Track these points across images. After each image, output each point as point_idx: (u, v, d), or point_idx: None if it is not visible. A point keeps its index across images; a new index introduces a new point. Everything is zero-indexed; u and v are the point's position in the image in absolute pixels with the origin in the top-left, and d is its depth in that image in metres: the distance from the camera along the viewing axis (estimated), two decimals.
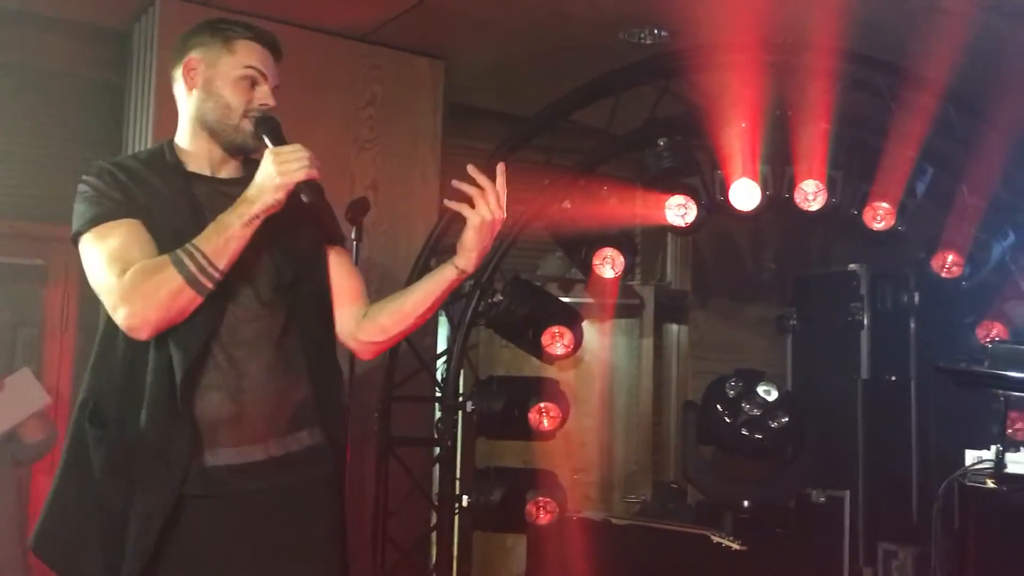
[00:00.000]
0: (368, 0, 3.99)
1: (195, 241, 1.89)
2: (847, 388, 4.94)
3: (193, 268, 1.87)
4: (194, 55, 2.05)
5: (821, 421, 4.70)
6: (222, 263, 1.89)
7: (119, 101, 4.05)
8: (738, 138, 3.89)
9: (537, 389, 3.98)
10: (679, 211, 3.99)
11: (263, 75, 2.06)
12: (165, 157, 2.06)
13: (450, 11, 4.06)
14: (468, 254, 2.05)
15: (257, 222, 1.91)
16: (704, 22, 3.75)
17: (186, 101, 2.08)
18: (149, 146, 3.73)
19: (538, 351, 3.99)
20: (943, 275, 4.16)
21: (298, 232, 2.09)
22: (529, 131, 4.25)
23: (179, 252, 1.88)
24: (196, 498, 1.92)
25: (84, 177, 1.98)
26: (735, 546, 3.59)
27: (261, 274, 2.01)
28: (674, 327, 5.31)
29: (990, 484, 2.83)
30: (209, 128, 2.05)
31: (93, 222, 1.92)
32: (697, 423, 4.48)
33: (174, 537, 1.90)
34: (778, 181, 4.02)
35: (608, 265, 4.01)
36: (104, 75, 4.09)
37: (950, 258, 4.13)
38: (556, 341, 3.95)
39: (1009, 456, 2.84)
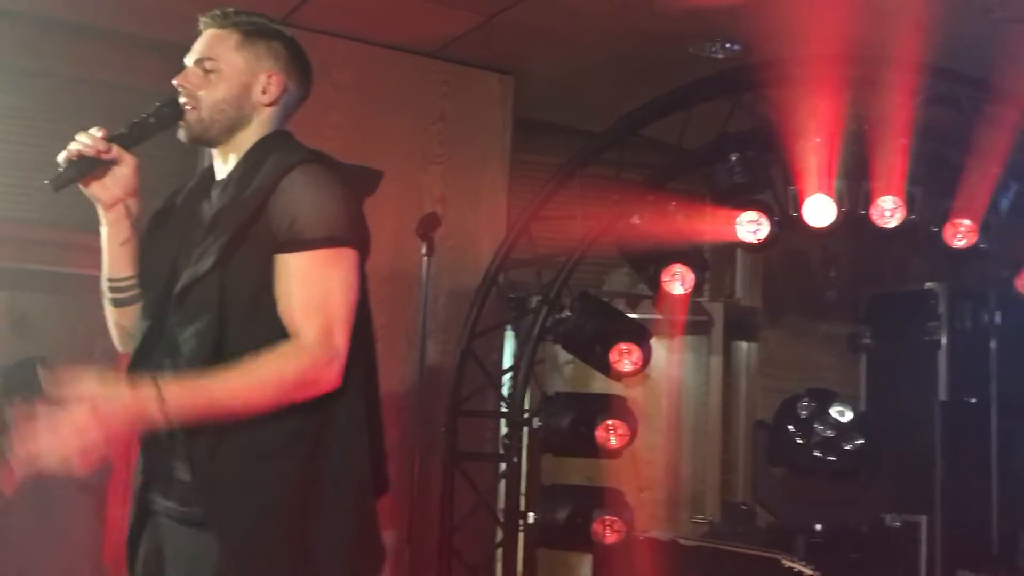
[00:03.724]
0: (437, 17, 4.02)
1: None
2: (924, 410, 4.80)
3: None
4: None
5: (897, 443, 4.59)
6: (106, 272, 1.95)
7: None
8: (813, 153, 3.81)
9: (605, 406, 3.94)
10: (751, 227, 3.92)
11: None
12: None
13: (519, 27, 4.07)
14: None
15: (104, 225, 1.91)
16: (778, 35, 3.68)
17: None
18: None
19: (605, 368, 3.95)
20: None
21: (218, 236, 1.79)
22: (598, 146, 4.23)
23: None
24: None
25: None
26: (807, 571, 3.50)
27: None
28: (743, 344, 5.22)
29: None
30: None
31: None
32: (768, 443, 4.41)
33: None
34: (854, 197, 3.93)
35: (677, 281, 3.96)
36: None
37: None
38: (624, 358, 3.92)
39: None
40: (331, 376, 1.73)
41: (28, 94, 3.97)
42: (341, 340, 1.74)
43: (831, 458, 4.23)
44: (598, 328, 3.95)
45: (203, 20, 1.95)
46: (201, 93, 1.88)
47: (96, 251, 1.98)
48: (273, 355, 1.70)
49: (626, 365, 3.92)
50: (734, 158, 3.94)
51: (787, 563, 3.53)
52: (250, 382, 1.69)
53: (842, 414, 4.31)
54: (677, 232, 4.00)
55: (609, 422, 3.88)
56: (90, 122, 1.84)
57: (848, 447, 4.25)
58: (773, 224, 3.94)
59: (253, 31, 1.93)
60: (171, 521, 1.81)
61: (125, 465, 3.78)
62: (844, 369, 5.31)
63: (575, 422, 3.91)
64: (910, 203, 3.89)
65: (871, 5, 3.54)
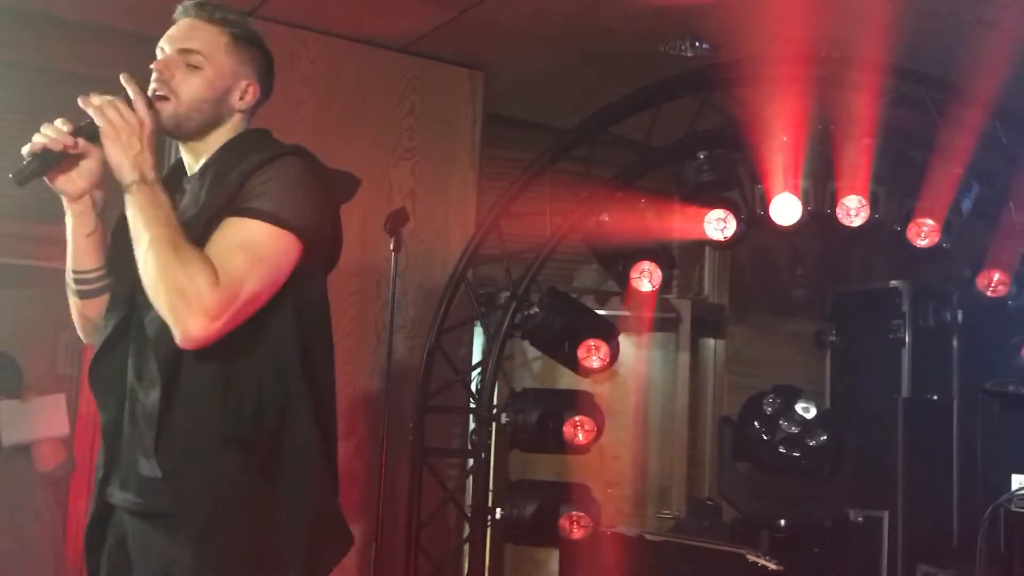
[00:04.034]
0: (408, 11, 4.00)
1: None
2: (887, 407, 4.86)
3: None
4: None
5: (860, 440, 4.64)
6: (71, 264, 1.92)
7: None
8: (779, 152, 3.85)
9: (572, 402, 3.95)
10: (718, 225, 3.95)
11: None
12: None
13: (489, 22, 4.06)
14: None
15: (69, 218, 1.88)
16: (747, 35, 3.71)
17: None
18: None
19: (574, 364, 3.97)
20: (989, 294, 4.09)
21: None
22: (568, 142, 4.24)
23: None
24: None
25: None
26: (771, 566, 3.54)
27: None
28: (711, 341, 5.26)
29: None
30: None
31: None
32: (733, 439, 4.45)
33: None
34: (819, 196, 3.97)
35: (645, 278, 3.99)
36: None
37: (996, 276, 4.05)
38: (592, 354, 3.93)
39: None
40: (196, 325, 1.65)
41: None
42: (230, 313, 1.67)
43: (795, 454, 4.28)
44: (566, 324, 3.96)
45: (184, 6, 1.90)
46: (179, 85, 1.84)
47: (58, 243, 1.95)
48: (201, 261, 1.67)
49: (594, 361, 3.93)
50: (702, 156, 3.97)
51: (751, 558, 3.57)
52: (172, 253, 1.66)
53: (807, 411, 4.36)
54: (646, 229, 4.03)
55: (576, 418, 3.89)
56: (55, 114, 1.81)
57: (812, 443, 4.30)
58: (740, 222, 3.97)
59: (241, 36, 1.91)
60: (129, 514, 1.80)
61: (88, 458, 3.75)
62: (810, 366, 5.36)
63: (543, 418, 3.92)
64: (874, 202, 3.94)
65: (838, 6, 3.58)
